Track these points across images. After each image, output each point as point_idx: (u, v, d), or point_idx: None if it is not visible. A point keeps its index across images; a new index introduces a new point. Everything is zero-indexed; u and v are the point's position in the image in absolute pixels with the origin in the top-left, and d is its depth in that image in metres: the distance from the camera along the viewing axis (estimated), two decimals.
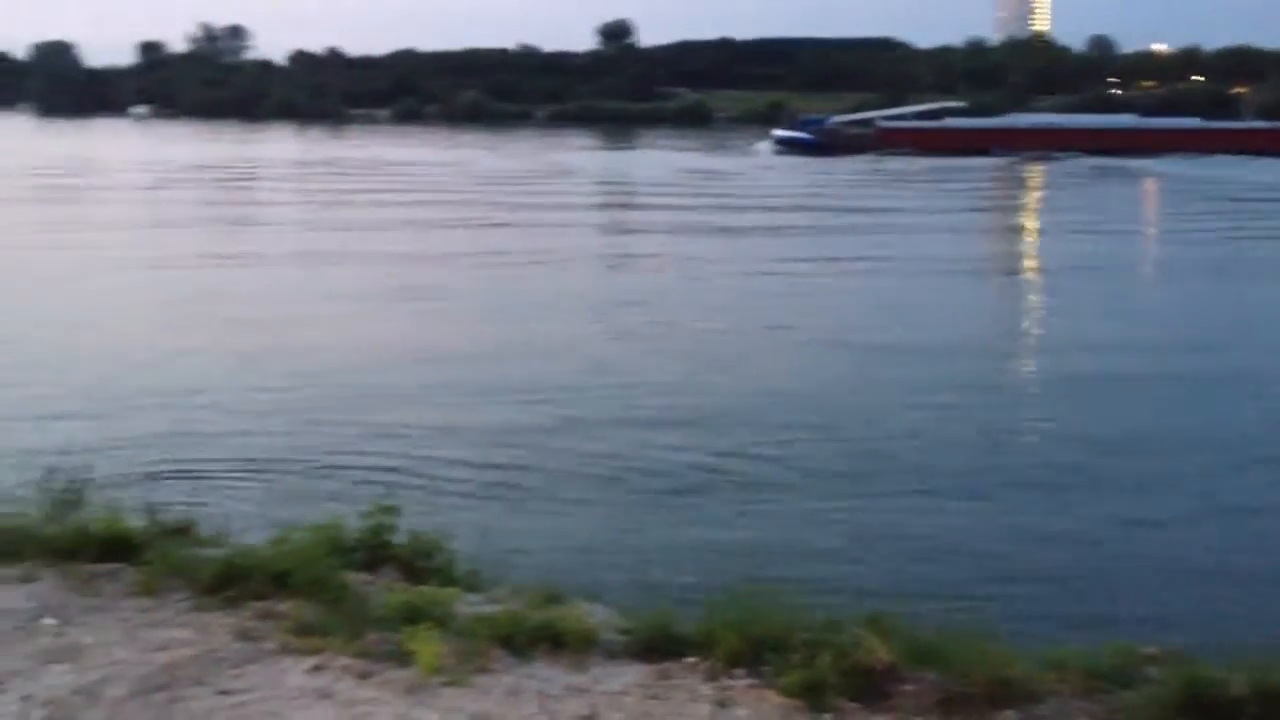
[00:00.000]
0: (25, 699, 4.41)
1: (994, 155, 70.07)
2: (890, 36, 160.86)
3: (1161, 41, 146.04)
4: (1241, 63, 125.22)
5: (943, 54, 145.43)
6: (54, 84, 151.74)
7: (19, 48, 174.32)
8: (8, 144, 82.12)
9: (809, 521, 10.03)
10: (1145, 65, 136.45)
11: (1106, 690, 4.20)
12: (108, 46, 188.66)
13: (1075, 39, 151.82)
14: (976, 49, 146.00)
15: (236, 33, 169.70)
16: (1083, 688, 4.20)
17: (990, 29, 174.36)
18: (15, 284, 22.52)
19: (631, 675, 4.51)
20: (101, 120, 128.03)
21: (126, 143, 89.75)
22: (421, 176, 54.26)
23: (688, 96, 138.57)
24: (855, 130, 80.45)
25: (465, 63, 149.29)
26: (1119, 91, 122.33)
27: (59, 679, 4.57)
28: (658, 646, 4.75)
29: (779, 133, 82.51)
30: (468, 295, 21.78)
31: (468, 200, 42.25)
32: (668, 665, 4.58)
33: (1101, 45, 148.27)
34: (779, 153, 77.32)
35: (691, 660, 4.59)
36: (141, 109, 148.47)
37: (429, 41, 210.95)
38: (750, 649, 4.56)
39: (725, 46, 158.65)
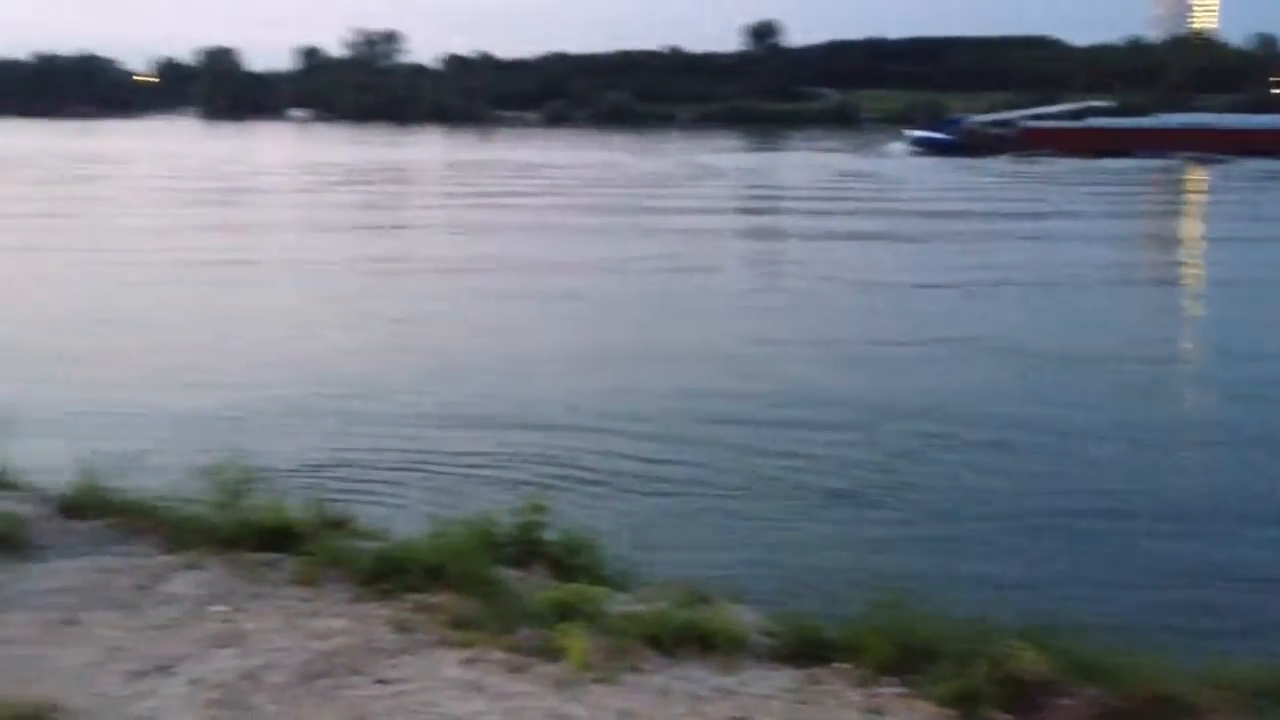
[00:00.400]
0: (194, 682, 4.61)
1: (1139, 157, 67.50)
2: (1045, 35, 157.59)
3: None
4: None
5: (1098, 52, 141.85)
6: (218, 88, 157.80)
7: (188, 53, 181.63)
8: (180, 146, 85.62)
9: (975, 539, 9.74)
10: None
11: (1271, 709, 4.07)
12: (268, 51, 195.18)
13: (1239, 37, 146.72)
14: (1134, 47, 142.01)
15: (391, 37, 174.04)
16: (1247, 705, 4.07)
17: (1149, 27, 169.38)
18: (213, 280, 23.37)
19: (780, 679, 4.51)
20: (261, 124, 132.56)
21: (286, 145, 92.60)
22: (569, 178, 54.87)
23: (833, 96, 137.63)
24: (995, 130, 78.04)
25: (613, 65, 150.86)
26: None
27: (225, 663, 4.77)
28: (805, 651, 4.74)
29: (915, 133, 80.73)
30: (619, 298, 21.94)
31: (616, 203, 42.54)
32: (816, 670, 4.57)
33: (1266, 43, 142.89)
34: (915, 154, 75.59)
35: (840, 666, 4.57)
36: (299, 113, 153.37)
37: (578, 44, 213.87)
38: (900, 656, 4.53)
39: (874, 46, 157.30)
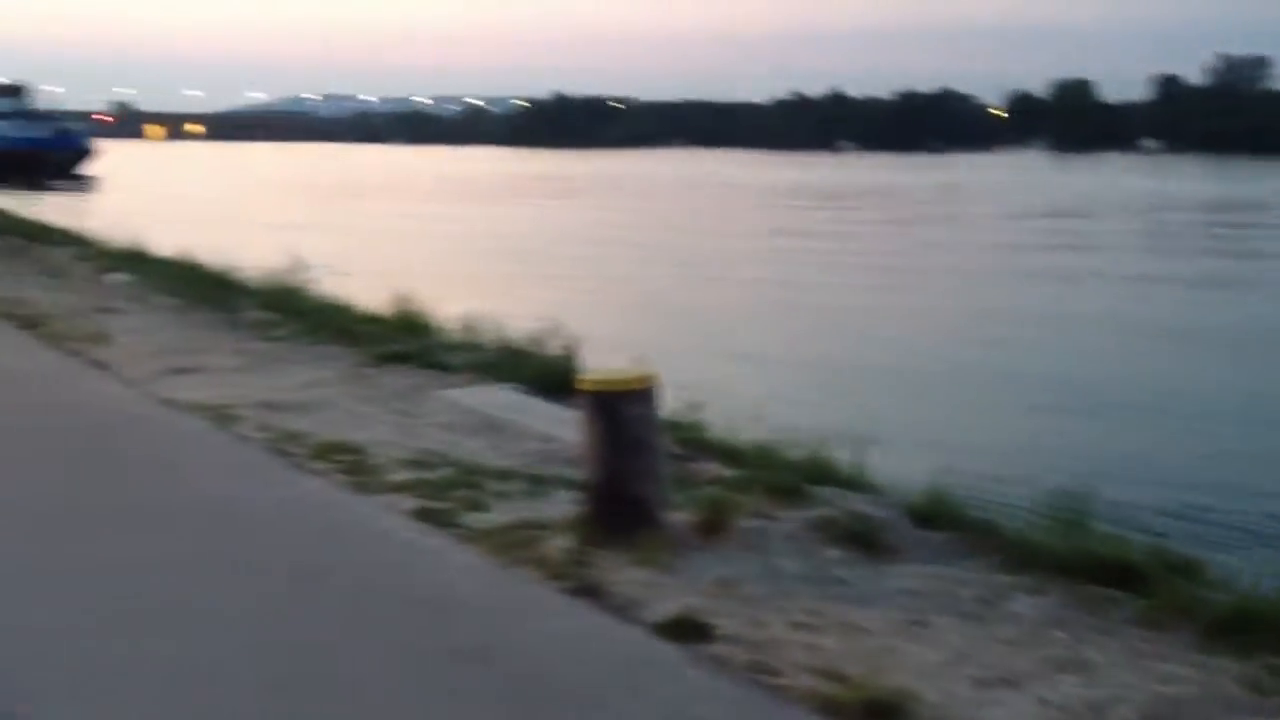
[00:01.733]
0: (1041, 701, 4.68)
1: None
2: None
3: None
4: None
5: None
6: (1070, 120, 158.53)
7: (1040, 85, 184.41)
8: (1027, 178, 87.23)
9: None
10: None
11: None
12: (1125, 82, 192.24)
13: None
14: None
15: (1260, 62, 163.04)
16: None
17: None
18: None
19: None
20: (1111, 154, 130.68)
21: (1136, 180, 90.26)
22: None
23: None
24: None
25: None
26: None
27: (1070, 689, 4.79)
28: None
29: None
30: None
31: None
32: None
33: None
34: None
35: None
36: (1151, 143, 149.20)
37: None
38: None
39: None
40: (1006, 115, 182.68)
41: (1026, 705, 4.66)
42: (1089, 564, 6.05)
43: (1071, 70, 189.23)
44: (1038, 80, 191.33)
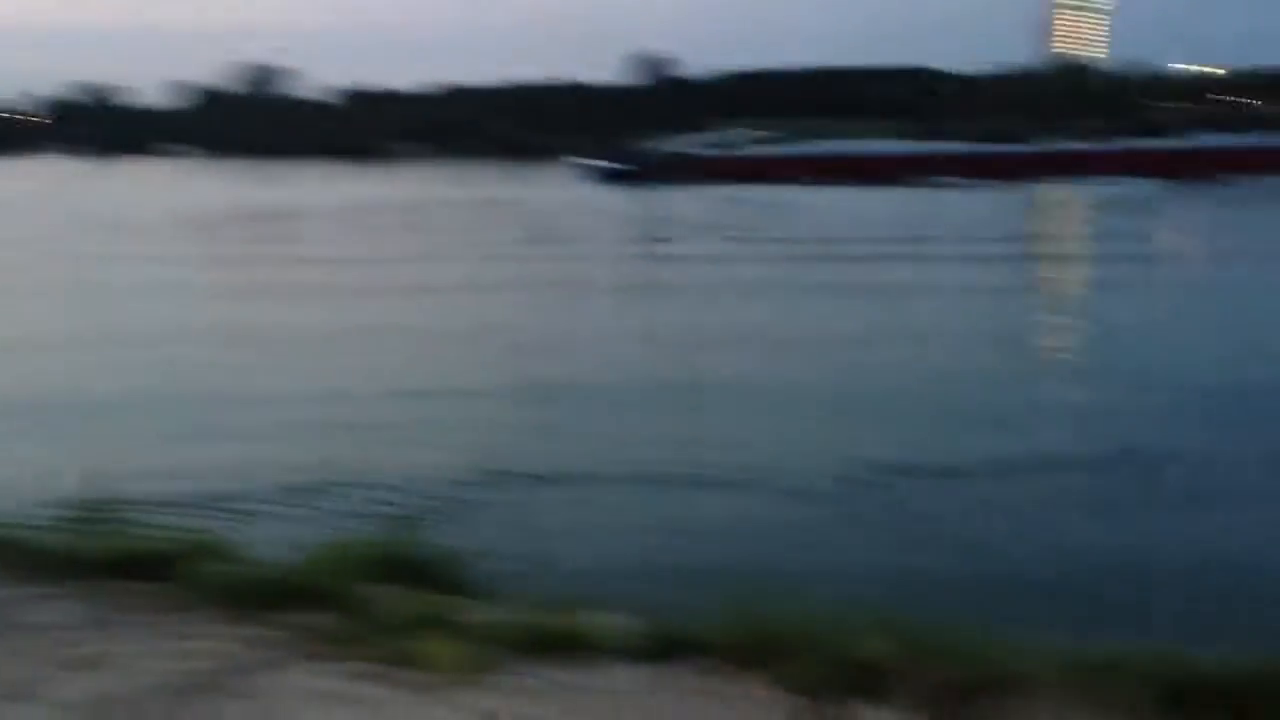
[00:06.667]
0: (59, 705, 4.57)
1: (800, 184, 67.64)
2: (925, 65, 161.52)
3: (1193, 62, 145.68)
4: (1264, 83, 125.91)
5: (985, 81, 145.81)
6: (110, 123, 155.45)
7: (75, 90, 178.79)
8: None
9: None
10: (1176, 86, 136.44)
11: (1099, 681, 4.28)
12: (155, 87, 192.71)
13: (1111, 63, 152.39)
14: (1013, 76, 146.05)
15: (281, 72, 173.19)
16: (1076, 678, 4.28)
17: (1025, 55, 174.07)
18: None
19: (638, 676, 4.63)
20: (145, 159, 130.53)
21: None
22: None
23: (724, 126, 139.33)
24: (676, 160, 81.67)
25: (507, 97, 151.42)
26: (1151, 114, 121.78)
27: (88, 685, 4.74)
28: (671, 649, 4.86)
29: (600, 163, 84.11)
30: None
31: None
32: (674, 666, 4.69)
33: (1134, 67, 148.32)
34: (600, 183, 77.95)
35: (698, 660, 4.70)
36: (181, 147, 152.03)
37: (468, 75, 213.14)
38: (760, 648, 4.67)
39: (769, 77, 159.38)
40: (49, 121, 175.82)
41: (41, 713, 4.52)
42: (118, 561, 6.05)
43: (93, 74, 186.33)
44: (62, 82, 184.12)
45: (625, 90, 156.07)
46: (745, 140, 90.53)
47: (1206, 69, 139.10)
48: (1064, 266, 35.89)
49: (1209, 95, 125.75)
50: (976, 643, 4.39)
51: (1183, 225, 49.26)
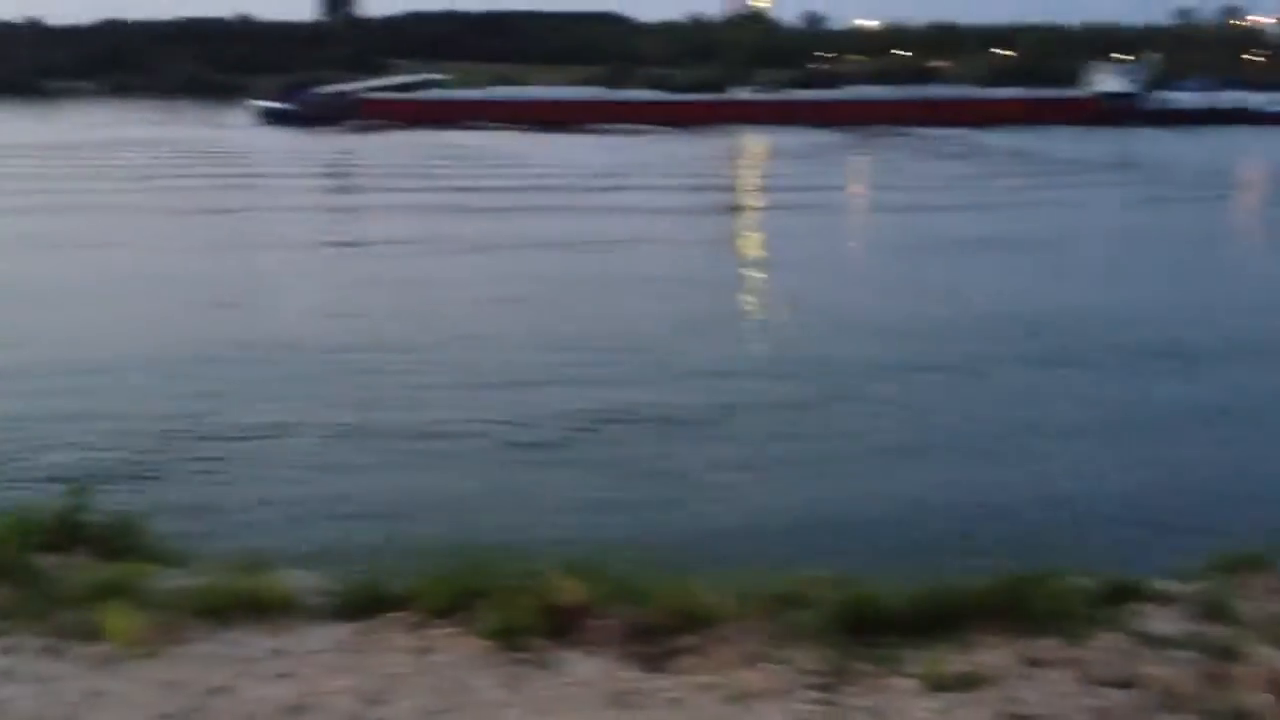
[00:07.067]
0: None
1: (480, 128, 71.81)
2: (615, 11, 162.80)
3: (872, 18, 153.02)
4: (943, 39, 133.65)
5: (668, 29, 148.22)
6: None
7: None
8: None
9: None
10: (854, 40, 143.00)
11: (783, 612, 4.51)
12: None
13: (792, 16, 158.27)
14: (699, 25, 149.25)
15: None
16: (761, 611, 4.50)
17: (713, 5, 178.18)
18: None
19: (333, 634, 4.54)
20: None
21: None
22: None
23: (407, 69, 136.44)
24: (338, 102, 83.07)
25: (180, 32, 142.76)
26: (828, 66, 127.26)
27: None
28: (363, 606, 4.78)
29: (263, 103, 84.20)
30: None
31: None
32: (371, 622, 4.62)
33: (814, 21, 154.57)
34: (263, 124, 78.91)
35: (395, 615, 4.65)
36: None
37: (139, 10, 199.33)
38: (455, 600, 4.66)
39: (452, 18, 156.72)
40: None
41: None
42: None
43: None
44: None
45: (310, 27, 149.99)
46: (430, 84, 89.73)
47: (893, 25, 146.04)
48: (743, 212, 37.39)
49: (894, 51, 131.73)
50: (669, 584, 4.53)
51: (850, 172, 51.97)
